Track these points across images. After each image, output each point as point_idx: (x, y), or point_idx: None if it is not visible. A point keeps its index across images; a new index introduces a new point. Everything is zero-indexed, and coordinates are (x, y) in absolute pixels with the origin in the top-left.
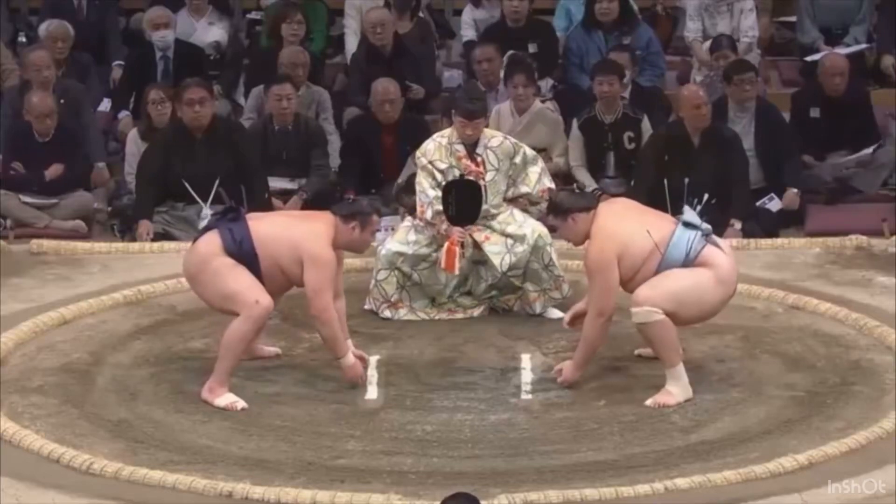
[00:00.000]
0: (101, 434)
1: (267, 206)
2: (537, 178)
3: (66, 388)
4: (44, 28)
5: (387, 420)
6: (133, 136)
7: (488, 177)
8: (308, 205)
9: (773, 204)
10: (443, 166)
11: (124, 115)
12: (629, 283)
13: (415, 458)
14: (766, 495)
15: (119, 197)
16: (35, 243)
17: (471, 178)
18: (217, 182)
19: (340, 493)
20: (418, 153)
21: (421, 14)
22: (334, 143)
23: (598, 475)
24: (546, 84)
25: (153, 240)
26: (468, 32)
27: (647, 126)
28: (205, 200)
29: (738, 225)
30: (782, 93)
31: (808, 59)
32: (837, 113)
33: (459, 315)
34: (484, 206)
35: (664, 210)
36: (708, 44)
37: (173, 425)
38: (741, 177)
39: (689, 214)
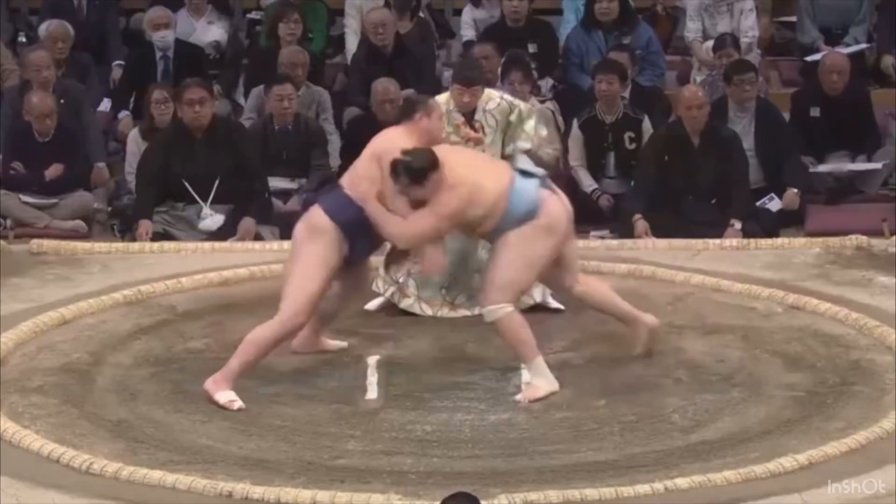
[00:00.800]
0: (101, 434)
1: (267, 206)
2: (533, 131)
3: (66, 388)
4: (44, 28)
5: (387, 420)
6: (134, 135)
7: (487, 140)
8: (308, 205)
9: (773, 204)
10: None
11: (124, 115)
12: (474, 231)
13: (415, 458)
14: (766, 495)
15: (119, 197)
16: (35, 243)
17: (469, 143)
18: (217, 182)
19: (340, 493)
20: None
21: (421, 14)
22: (334, 143)
23: (598, 475)
24: (546, 84)
25: (153, 240)
26: (468, 32)
27: (647, 126)
28: (205, 200)
29: (738, 225)
30: (782, 93)
31: (808, 59)
32: (837, 112)
33: (464, 312)
34: None
35: (666, 211)
36: (708, 44)
37: (173, 425)
38: (741, 177)
39: (524, 162)
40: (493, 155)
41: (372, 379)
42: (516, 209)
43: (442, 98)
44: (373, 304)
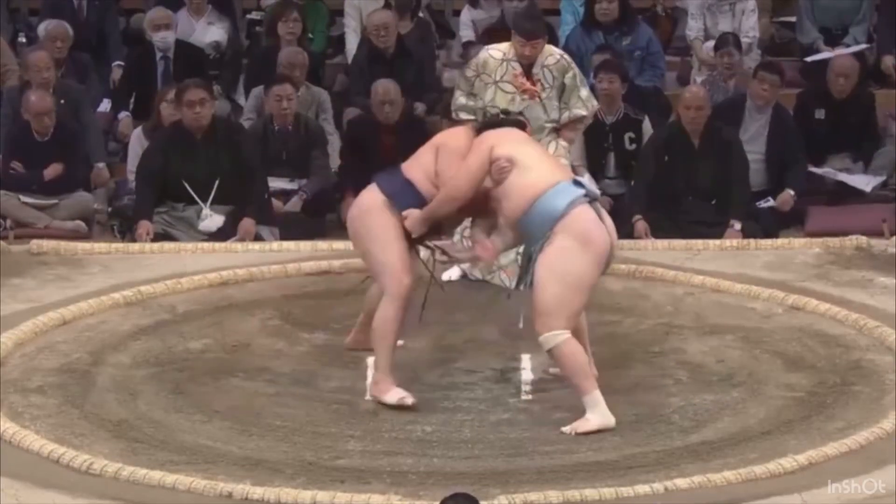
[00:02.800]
0: (101, 434)
1: (267, 207)
2: (588, 99)
3: (66, 388)
4: (42, 28)
5: (387, 420)
6: (137, 134)
7: (544, 95)
8: (308, 205)
9: (768, 205)
10: (496, 78)
11: (124, 115)
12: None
13: (415, 458)
14: (766, 495)
15: (119, 197)
16: (35, 243)
17: (525, 95)
18: (217, 182)
19: (340, 493)
20: (470, 64)
21: (421, 14)
22: (334, 143)
23: (598, 475)
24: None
25: (153, 240)
26: (467, 33)
27: (647, 127)
28: (205, 200)
29: (737, 225)
30: (782, 93)
31: (809, 59)
32: (842, 115)
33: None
34: (538, 124)
35: (666, 211)
36: (709, 44)
37: (173, 425)
38: (741, 177)
39: (585, 179)
40: (549, 113)
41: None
42: (546, 205)
43: (503, 46)
44: (450, 274)
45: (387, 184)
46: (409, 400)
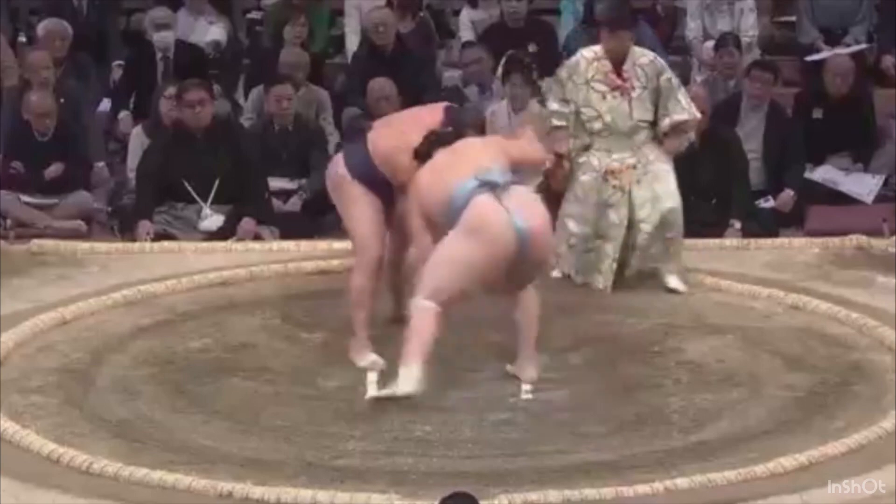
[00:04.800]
0: (101, 434)
1: (267, 207)
2: (689, 104)
3: (66, 388)
4: (42, 27)
5: (387, 420)
6: (138, 131)
7: (635, 93)
8: (308, 205)
9: (767, 204)
10: (587, 77)
11: (124, 115)
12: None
13: (415, 458)
14: (766, 495)
15: (119, 197)
16: (35, 243)
17: (616, 94)
18: (217, 182)
19: (340, 493)
20: (562, 67)
21: (421, 14)
22: (334, 143)
23: (598, 475)
24: (546, 84)
25: (153, 240)
26: (466, 33)
27: None
28: (205, 200)
29: (737, 225)
30: (783, 93)
31: (809, 59)
32: (840, 115)
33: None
34: (631, 122)
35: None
36: (709, 44)
37: (173, 425)
38: (741, 177)
39: (494, 172)
40: (640, 112)
41: (372, 379)
42: (454, 206)
43: (595, 47)
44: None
45: (349, 156)
46: (380, 364)
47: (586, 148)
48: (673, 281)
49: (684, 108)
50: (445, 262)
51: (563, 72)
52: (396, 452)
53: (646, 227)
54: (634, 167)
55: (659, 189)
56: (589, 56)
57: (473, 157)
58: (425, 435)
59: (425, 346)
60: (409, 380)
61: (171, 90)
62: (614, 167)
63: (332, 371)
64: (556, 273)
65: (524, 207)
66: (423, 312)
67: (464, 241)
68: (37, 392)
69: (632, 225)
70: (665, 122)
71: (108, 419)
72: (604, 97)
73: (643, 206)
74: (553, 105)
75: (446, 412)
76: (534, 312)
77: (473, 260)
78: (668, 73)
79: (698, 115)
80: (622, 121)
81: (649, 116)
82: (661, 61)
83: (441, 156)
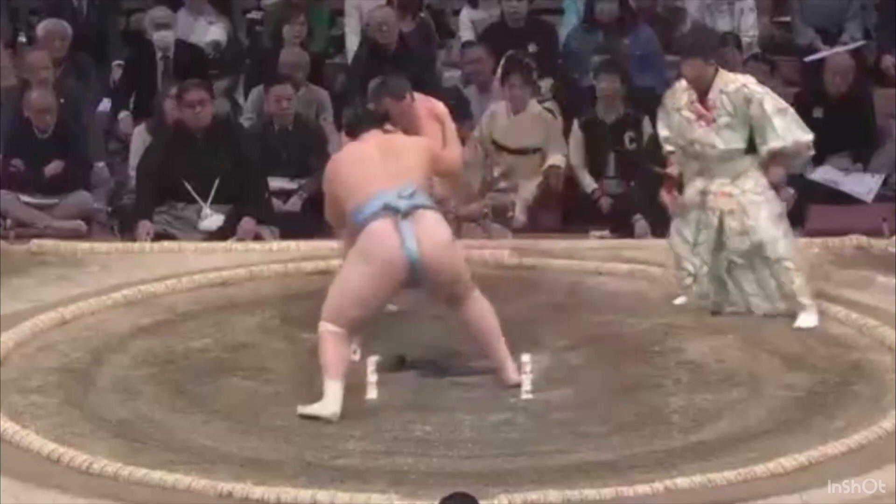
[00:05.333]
0: (101, 434)
1: (267, 207)
2: (787, 130)
3: (66, 388)
4: (41, 28)
5: (387, 420)
6: (140, 130)
7: (721, 121)
8: (308, 205)
9: None
10: (678, 105)
11: (124, 115)
12: None
13: (415, 458)
14: (766, 495)
15: (119, 197)
16: (35, 243)
17: (700, 127)
18: (217, 182)
19: (340, 493)
20: (666, 93)
21: (422, 14)
22: (334, 143)
23: (598, 475)
24: (546, 84)
25: (153, 240)
26: (466, 33)
27: (647, 127)
28: (205, 200)
29: None
30: (783, 92)
31: (808, 59)
32: (840, 114)
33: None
34: (719, 150)
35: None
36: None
37: (173, 425)
38: None
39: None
40: (729, 141)
41: (372, 379)
42: (356, 219)
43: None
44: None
45: None
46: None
47: (700, 172)
48: (798, 320)
49: (779, 136)
50: (341, 287)
51: (665, 98)
52: (396, 452)
53: (737, 260)
54: (730, 195)
55: (747, 222)
56: (683, 84)
57: (394, 165)
58: (425, 435)
59: (338, 367)
60: (330, 399)
61: (176, 90)
62: (712, 191)
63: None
64: (681, 300)
65: (423, 233)
66: (326, 336)
67: (356, 266)
68: (37, 392)
69: (725, 255)
70: (763, 151)
71: (108, 419)
72: (692, 125)
73: (733, 238)
74: (663, 132)
75: (446, 412)
76: (488, 320)
77: (364, 287)
78: (757, 100)
79: (803, 140)
80: (710, 149)
81: (740, 144)
82: (751, 88)
83: (367, 149)
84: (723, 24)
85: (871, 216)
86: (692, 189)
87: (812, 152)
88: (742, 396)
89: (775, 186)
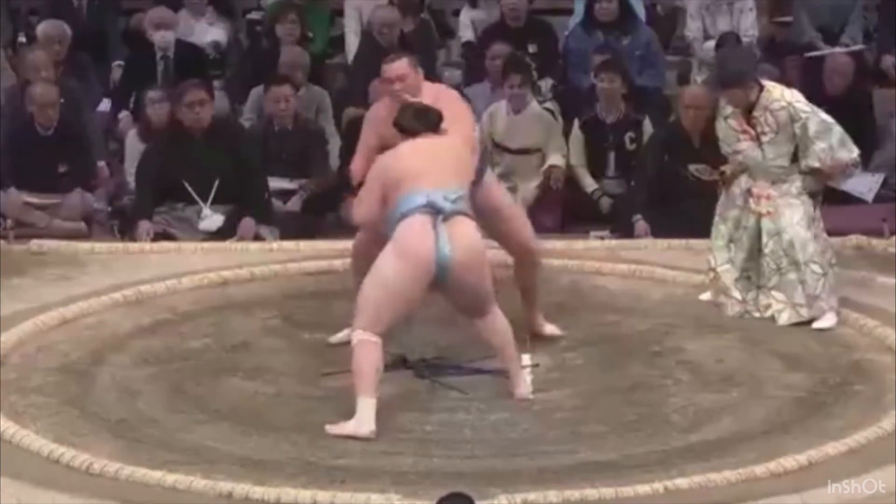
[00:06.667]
0: (101, 434)
1: (267, 206)
2: (827, 153)
3: (66, 388)
4: (40, 30)
5: (387, 420)
6: (132, 136)
7: (766, 138)
8: (308, 205)
9: None
10: (726, 114)
11: (124, 115)
12: None
13: (415, 458)
14: (766, 495)
15: (119, 197)
16: (35, 243)
17: (744, 141)
18: (217, 182)
19: (340, 493)
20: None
21: (422, 14)
22: (334, 143)
23: (598, 475)
24: (546, 84)
25: (153, 240)
26: (466, 33)
27: (647, 126)
28: (204, 201)
29: None
30: None
31: (808, 55)
32: (840, 114)
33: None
34: (765, 164)
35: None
36: (709, 43)
37: (173, 425)
38: None
39: (450, 189)
40: (774, 156)
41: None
42: (394, 211)
43: None
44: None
45: None
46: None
47: (744, 170)
48: (818, 322)
49: (819, 158)
50: (376, 285)
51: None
52: (396, 452)
53: (766, 261)
54: (769, 197)
55: (782, 222)
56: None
57: (446, 168)
58: (425, 435)
59: (373, 383)
60: (362, 416)
61: (153, 94)
62: (754, 191)
63: (333, 371)
64: (705, 296)
65: (458, 237)
66: (365, 345)
67: (390, 261)
68: (37, 392)
69: (764, 261)
70: (802, 164)
71: (107, 419)
72: (738, 138)
73: (767, 241)
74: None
75: (446, 412)
76: (503, 334)
77: (398, 283)
78: (803, 120)
79: (844, 159)
80: (755, 162)
81: (784, 161)
82: (797, 107)
83: (422, 146)
84: (723, 24)
85: (871, 216)
86: (737, 187)
87: (858, 168)
88: (742, 396)
89: (812, 194)
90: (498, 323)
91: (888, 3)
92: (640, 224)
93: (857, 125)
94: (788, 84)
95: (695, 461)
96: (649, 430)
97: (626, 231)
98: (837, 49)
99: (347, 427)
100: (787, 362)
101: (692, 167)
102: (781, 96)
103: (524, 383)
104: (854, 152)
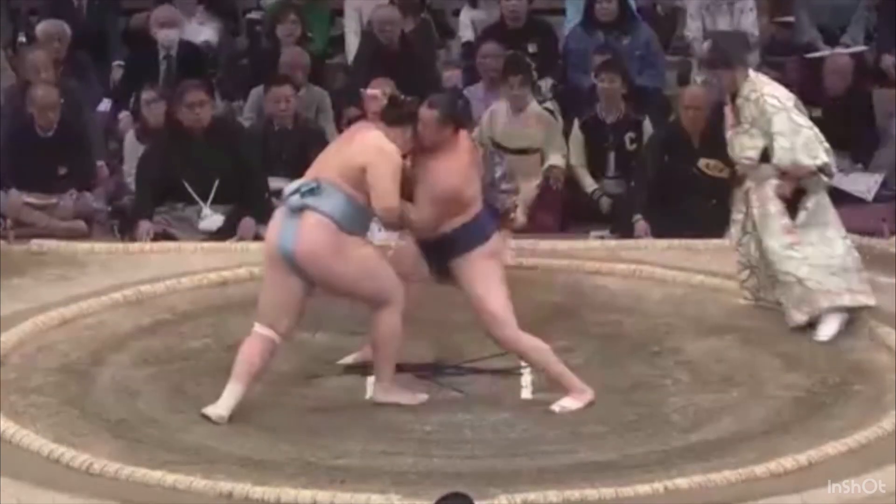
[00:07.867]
0: (101, 434)
1: (267, 207)
2: (789, 151)
3: (66, 388)
4: (40, 30)
5: (387, 420)
6: (130, 137)
7: (740, 128)
8: None
9: None
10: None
11: (124, 115)
12: None
13: (415, 458)
14: (766, 495)
15: (119, 197)
16: (35, 243)
17: (729, 129)
18: (217, 182)
19: (340, 493)
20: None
21: (422, 14)
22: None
23: (598, 475)
24: (546, 84)
25: (153, 240)
26: (466, 33)
27: (647, 127)
28: (204, 201)
29: None
30: None
31: (808, 56)
32: (839, 114)
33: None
34: (737, 156)
35: (666, 210)
36: (709, 44)
37: (173, 425)
38: None
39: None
40: (743, 148)
41: (372, 379)
42: None
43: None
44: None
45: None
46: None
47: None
48: (818, 331)
49: (778, 157)
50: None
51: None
52: (396, 452)
53: (758, 272)
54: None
55: (760, 230)
56: None
57: (330, 158)
58: (425, 435)
59: (243, 372)
60: (221, 404)
61: (148, 94)
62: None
63: (332, 371)
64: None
65: (301, 230)
66: (253, 339)
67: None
68: (37, 392)
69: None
70: (774, 160)
71: (107, 419)
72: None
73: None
74: None
75: (446, 412)
76: (380, 334)
77: (265, 272)
78: (770, 114)
79: (804, 164)
80: (733, 154)
81: (753, 154)
82: (767, 100)
83: (343, 136)
84: (723, 24)
85: (871, 216)
86: (740, 190)
87: (826, 178)
88: (742, 396)
89: (786, 199)
90: (381, 324)
91: (888, 3)
92: (640, 224)
93: (857, 125)
94: (788, 84)
95: (695, 461)
96: (649, 430)
97: (626, 231)
98: (838, 49)
99: (208, 409)
100: (787, 362)
101: (702, 161)
102: (760, 88)
103: (380, 388)
104: (818, 160)
